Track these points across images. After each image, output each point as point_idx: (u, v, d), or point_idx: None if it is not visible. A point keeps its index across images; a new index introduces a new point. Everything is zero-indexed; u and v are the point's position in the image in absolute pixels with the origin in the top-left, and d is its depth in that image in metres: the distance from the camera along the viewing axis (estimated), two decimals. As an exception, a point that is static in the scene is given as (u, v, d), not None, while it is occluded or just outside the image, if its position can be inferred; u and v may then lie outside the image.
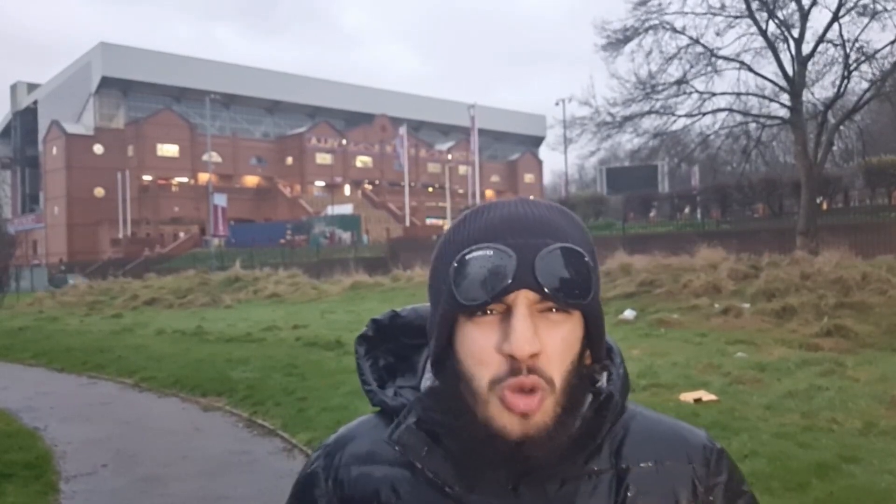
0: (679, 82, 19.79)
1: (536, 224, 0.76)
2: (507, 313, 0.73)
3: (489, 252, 0.73)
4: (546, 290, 0.71)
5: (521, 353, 0.71)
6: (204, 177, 62.76)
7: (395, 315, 0.92)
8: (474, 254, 0.73)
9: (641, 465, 0.80)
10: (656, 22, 19.60)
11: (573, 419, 0.76)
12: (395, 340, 0.91)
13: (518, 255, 0.72)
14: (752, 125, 21.10)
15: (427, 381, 0.84)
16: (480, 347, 0.73)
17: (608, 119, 20.68)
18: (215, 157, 63.75)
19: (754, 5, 18.91)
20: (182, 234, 61.13)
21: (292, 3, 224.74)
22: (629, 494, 0.78)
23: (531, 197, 0.86)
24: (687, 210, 35.09)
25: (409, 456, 0.79)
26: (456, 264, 0.74)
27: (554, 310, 0.74)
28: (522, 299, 0.72)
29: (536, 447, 0.73)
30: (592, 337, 0.77)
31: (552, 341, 0.73)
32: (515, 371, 0.72)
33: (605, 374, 0.83)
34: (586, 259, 0.74)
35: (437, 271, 0.80)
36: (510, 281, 0.71)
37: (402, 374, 0.90)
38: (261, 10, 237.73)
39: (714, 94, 19.89)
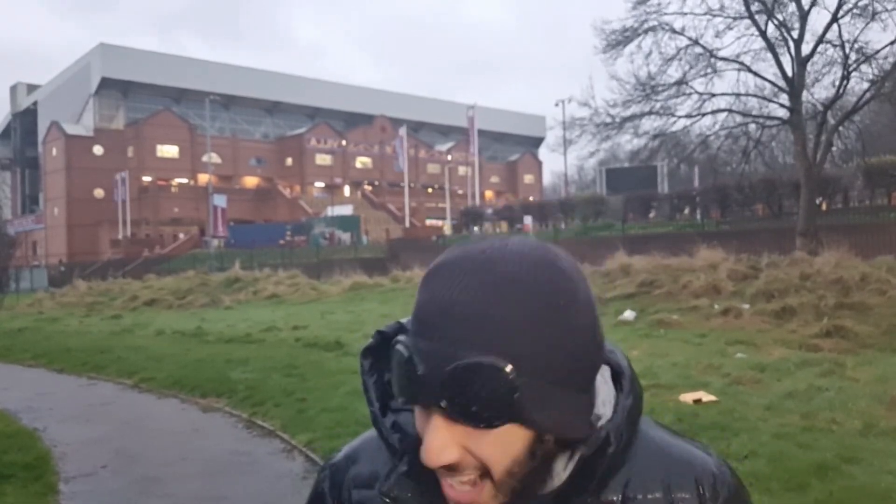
0: (679, 83, 19.77)
1: (460, 322, 0.66)
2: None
3: (405, 354, 0.68)
4: (450, 413, 0.65)
5: (429, 464, 0.66)
6: (204, 178, 62.78)
7: (400, 326, 0.87)
8: (398, 346, 0.69)
9: (650, 496, 0.76)
10: (655, 23, 19.62)
11: (535, 492, 0.71)
12: None
13: (426, 368, 0.66)
14: (752, 126, 21.09)
15: None
16: (420, 431, 0.70)
17: (608, 120, 20.68)
18: (215, 157, 63.75)
19: (753, 6, 18.91)
20: (182, 235, 61.10)
21: (252, 14, 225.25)
22: None
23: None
24: (686, 210, 35.09)
25: None
26: (393, 346, 0.71)
27: None
28: (437, 412, 0.66)
29: None
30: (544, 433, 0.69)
31: (479, 445, 0.66)
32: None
33: (610, 405, 0.76)
34: (497, 376, 0.64)
35: None
36: (418, 396, 0.67)
37: None
38: (223, 21, 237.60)
39: (714, 95, 19.89)
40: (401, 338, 0.70)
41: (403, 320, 0.85)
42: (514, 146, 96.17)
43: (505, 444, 0.67)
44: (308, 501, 0.90)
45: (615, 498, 0.75)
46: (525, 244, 0.72)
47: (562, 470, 0.72)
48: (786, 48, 19.31)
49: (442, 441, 0.66)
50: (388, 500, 0.75)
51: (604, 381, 0.77)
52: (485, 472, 0.67)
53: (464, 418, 0.65)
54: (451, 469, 0.67)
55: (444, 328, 0.66)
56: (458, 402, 0.64)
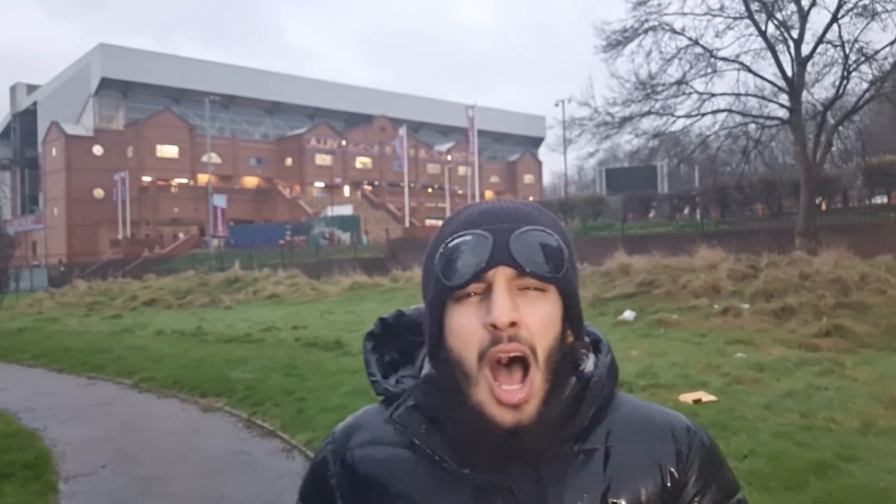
0: (678, 83, 19.78)
1: (510, 212, 0.83)
2: (489, 291, 0.79)
3: (469, 237, 0.80)
4: (521, 264, 0.78)
5: (500, 321, 0.76)
6: (203, 178, 62.76)
7: (400, 314, 0.98)
8: (456, 240, 0.81)
9: (629, 444, 0.85)
10: (655, 23, 19.63)
11: (559, 399, 0.82)
12: (400, 338, 0.97)
13: (494, 237, 0.79)
14: (752, 126, 21.10)
15: (425, 370, 0.89)
16: (466, 326, 0.79)
17: (607, 119, 20.69)
18: (215, 158, 63.71)
19: (753, 6, 18.91)
20: (181, 235, 61.08)
21: (245, 18, 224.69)
22: (618, 471, 0.83)
23: (530, 197, 0.88)
24: (686, 210, 35.07)
25: (408, 434, 0.85)
26: (441, 250, 0.82)
27: (532, 289, 0.80)
28: (501, 275, 0.78)
29: (529, 435, 0.79)
30: (570, 315, 0.83)
31: (531, 315, 0.79)
32: (497, 340, 0.77)
33: (591, 360, 0.88)
34: (556, 239, 0.81)
35: (426, 267, 0.86)
36: (487, 259, 0.78)
37: (404, 367, 0.95)
38: (216, 24, 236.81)
39: (713, 95, 19.90)
40: (447, 239, 0.82)
41: (403, 309, 0.99)
42: (513, 146, 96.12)
43: (549, 319, 0.80)
44: (311, 469, 0.95)
45: (598, 446, 0.85)
46: None
47: (564, 398, 0.83)
48: (786, 48, 19.32)
49: (508, 303, 0.77)
50: (397, 426, 0.86)
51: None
52: (531, 356, 0.78)
53: (533, 270, 0.78)
54: (511, 339, 0.77)
55: (500, 216, 0.82)
56: (530, 255, 0.78)
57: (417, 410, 0.85)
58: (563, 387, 0.82)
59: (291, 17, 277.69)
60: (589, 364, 0.87)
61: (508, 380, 0.78)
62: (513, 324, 0.77)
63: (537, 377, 0.78)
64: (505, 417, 0.77)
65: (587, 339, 0.91)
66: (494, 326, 0.77)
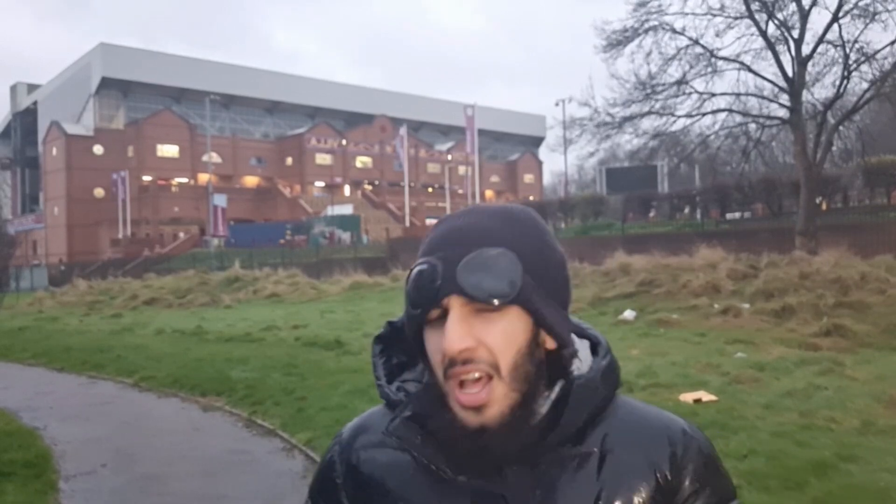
0: (679, 83, 19.77)
1: (468, 234, 0.83)
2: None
3: (424, 266, 0.82)
4: (468, 293, 0.78)
5: (450, 351, 0.78)
6: (204, 177, 62.74)
7: None
8: (416, 269, 0.83)
9: (625, 447, 0.86)
10: (656, 23, 19.62)
11: (535, 406, 0.83)
12: (407, 341, 0.97)
13: (444, 265, 0.80)
14: (752, 125, 21.09)
15: (427, 377, 0.90)
16: (433, 349, 0.82)
17: (608, 119, 20.69)
18: (215, 157, 63.72)
19: (754, 6, 18.91)
20: (182, 235, 61.06)
21: (228, 20, 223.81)
22: (612, 475, 0.84)
23: (526, 199, 0.86)
24: (686, 210, 35.06)
25: (404, 445, 0.87)
26: (407, 279, 0.84)
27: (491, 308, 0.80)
28: (455, 302, 0.80)
29: (495, 437, 0.80)
30: (540, 326, 0.83)
31: (490, 334, 0.80)
32: (453, 363, 0.79)
33: (586, 364, 0.89)
34: (510, 258, 0.80)
35: None
36: (437, 290, 0.80)
37: (409, 370, 0.96)
38: (201, 26, 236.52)
39: (714, 95, 19.88)
40: (413, 266, 0.84)
41: None
42: (514, 146, 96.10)
43: (510, 335, 0.81)
44: (320, 468, 0.98)
45: (595, 450, 0.85)
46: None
47: (540, 407, 0.84)
48: (786, 48, 19.31)
49: (460, 331, 0.79)
50: (393, 438, 0.87)
51: (584, 349, 0.91)
52: (493, 372, 0.80)
53: (479, 297, 0.78)
54: (466, 362, 0.79)
55: (457, 240, 0.83)
56: (475, 284, 0.78)
57: (413, 421, 0.86)
58: (538, 395, 0.84)
59: (276, 19, 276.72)
60: (583, 367, 0.88)
61: (471, 385, 0.80)
62: (464, 350, 0.78)
63: (499, 387, 0.80)
64: (469, 419, 0.80)
65: (584, 341, 0.92)
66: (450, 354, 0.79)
